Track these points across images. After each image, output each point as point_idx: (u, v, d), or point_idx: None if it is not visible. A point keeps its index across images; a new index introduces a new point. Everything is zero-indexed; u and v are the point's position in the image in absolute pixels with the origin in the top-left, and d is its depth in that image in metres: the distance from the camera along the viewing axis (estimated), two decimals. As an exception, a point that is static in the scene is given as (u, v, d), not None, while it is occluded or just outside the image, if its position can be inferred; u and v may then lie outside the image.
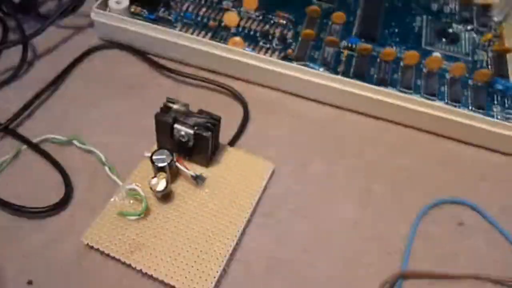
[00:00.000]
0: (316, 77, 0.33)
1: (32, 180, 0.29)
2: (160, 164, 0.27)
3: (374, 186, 0.31)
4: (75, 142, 0.30)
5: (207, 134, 0.27)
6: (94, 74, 0.34)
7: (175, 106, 0.28)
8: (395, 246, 0.28)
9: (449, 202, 0.31)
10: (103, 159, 0.29)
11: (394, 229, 0.29)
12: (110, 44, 0.36)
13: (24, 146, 0.30)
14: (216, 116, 0.28)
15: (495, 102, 0.35)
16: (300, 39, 0.37)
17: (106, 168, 0.29)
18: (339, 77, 0.34)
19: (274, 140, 0.32)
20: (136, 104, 0.33)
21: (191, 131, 0.27)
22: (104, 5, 0.35)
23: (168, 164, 0.27)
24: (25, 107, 0.31)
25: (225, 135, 0.31)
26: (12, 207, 0.27)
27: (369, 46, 0.37)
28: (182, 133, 0.27)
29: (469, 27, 0.41)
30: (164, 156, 0.27)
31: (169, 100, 0.28)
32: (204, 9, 0.38)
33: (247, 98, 0.34)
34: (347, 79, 0.33)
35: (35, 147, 0.30)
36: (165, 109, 0.28)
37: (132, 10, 0.36)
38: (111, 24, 0.35)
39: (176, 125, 0.27)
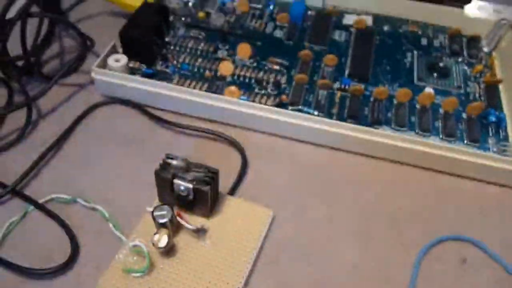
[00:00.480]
0: (311, 121, 0.34)
1: (39, 240, 0.29)
2: (161, 221, 0.27)
3: (374, 227, 0.31)
4: (79, 200, 0.31)
5: (206, 188, 0.28)
6: (96, 131, 0.36)
7: (174, 162, 0.29)
8: (398, 287, 0.28)
9: (451, 239, 0.31)
10: (107, 215, 0.30)
11: (396, 270, 0.29)
12: (111, 100, 0.37)
13: (31, 207, 0.31)
14: (214, 169, 0.29)
15: (490, 134, 0.36)
16: (293, 83, 0.38)
17: (110, 225, 0.30)
18: (333, 120, 0.34)
19: (273, 185, 0.33)
20: (138, 158, 0.34)
21: (190, 186, 0.28)
22: (104, 63, 0.37)
23: (169, 220, 0.28)
24: (31, 168, 0.32)
25: (225, 183, 0.32)
26: (20, 269, 0.28)
27: (361, 86, 0.38)
28: (182, 188, 0.28)
29: (459, 60, 0.42)
30: (164, 212, 0.28)
31: (168, 156, 0.29)
32: (200, 60, 0.39)
33: (245, 145, 0.35)
34: (341, 122, 0.34)
35: (42, 208, 0.31)
36: (165, 164, 0.29)
37: (131, 66, 0.38)
38: (111, 81, 0.36)
39: (175, 181, 0.28)
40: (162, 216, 0.28)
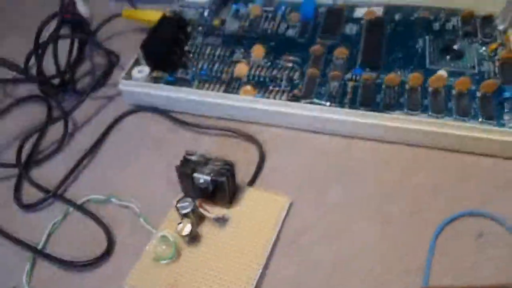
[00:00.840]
0: (323, 112, 0.36)
1: (80, 237, 0.33)
2: (184, 211, 0.30)
3: (391, 208, 0.32)
4: (113, 199, 0.34)
5: (223, 179, 0.30)
6: (126, 137, 0.39)
7: (193, 158, 0.31)
8: (416, 264, 0.29)
9: (466, 215, 0.31)
10: (138, 211, 0.33)
11: (414, 247, 0.30)
12: (138, 108, 0.40)
13: (71, 208, 0.34)
14: (230, 161, 0.31)
15: (506, 110, 0.36)
16: (306, 78, 0.39)
17: (141, 219, 0.33)
18: (345, 109, 0.36)
19: (291, 176, 0.35)
20: (164, 159, 0.37)
21: (208, 178, 0.30)
22: (129, 75, 0.40)
23: (191, 210, 0.30)
24: (69, 174, 0.36)
25: (245, 176, 0.34)
26: (63, 262, 0.31)
27: (372, 74, 0.39)
28: (201, 181, 0.30)
29: (473, 40, 0.42)
30: (187, 203, 0.30)
31: (188, 153, 0.31)
32: (217, 64, 0.42)
33: (262, 139, 0.37)
34: (353, 110, 0.35)
35: (80, 208, 0.34)
36: (185, 161, 0.31)
37: (154, 75, 0.41)
38: (136, 91, 0.39)
39: (195, 174, 0.30)
40: (185, 207, 0.30)
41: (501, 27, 0.42)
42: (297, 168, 0.35)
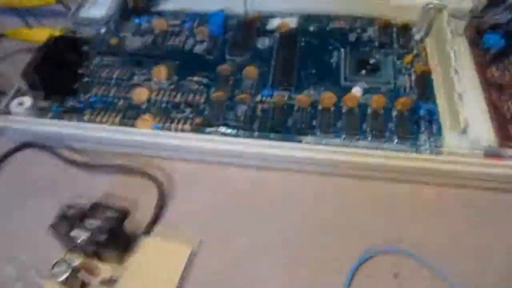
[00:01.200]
0: (227, 143, 0.32)
1: None
2: (60, 278, 0.26)
3: (303, 249, 0.29)
4: (-14, 260, 0.29)
5: (104, 236, 0.26)
6: (9, 180, 0.34)
7: (71, 211, 0.27)
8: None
9: (381, 254, 0.29)
10: (17, 273, 0.28)
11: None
12: (22, 145, 0.35)
13: None
14: (115, 214, 0.27)
15: (422, 128, 0.34)
16: (211, 101, 0.36)
17: (19, 284, 0.28)
18: (252, 138, 0.33)
19: (196, 216, 0.31)
20: (51, 206, 0.32)
21: (87, 236, 0.26)
22: (8, 108, 0.35)
23: (70, 275, 0.26)
24: None
25: (144, 220, 0.30)
26: None
27: (283, 96, 0.36)
28: (80, 240, 0.26)
29: (389, 52, 0.39)
30: (63, 267, 0.26)
31: (66, 206, 0.27)
32: (114, 89, 0.37)
33: (165, 175, 0.33)
34: (259, 141, 0.32)
35: None
36: (61, 216, 0.27)
37: (39, 106, 0.36)
38: (17, 127, 0.34)
39: (72, 233, 0.26)
40: (60, 273, 0.26)
41: (417, 37, 0.40)
42: (203, 208, 0.32)
